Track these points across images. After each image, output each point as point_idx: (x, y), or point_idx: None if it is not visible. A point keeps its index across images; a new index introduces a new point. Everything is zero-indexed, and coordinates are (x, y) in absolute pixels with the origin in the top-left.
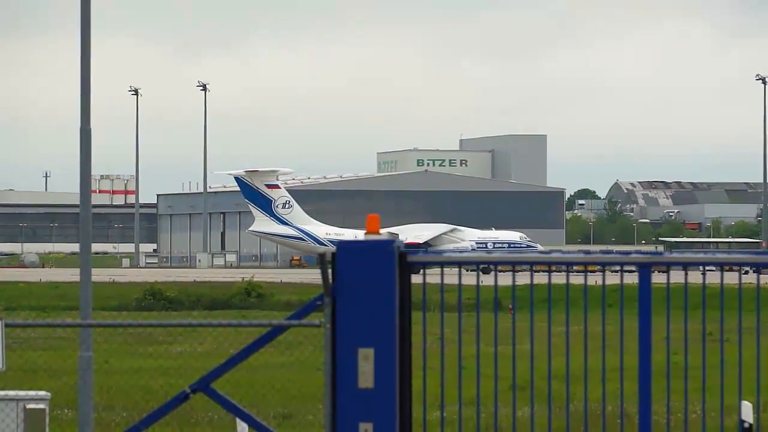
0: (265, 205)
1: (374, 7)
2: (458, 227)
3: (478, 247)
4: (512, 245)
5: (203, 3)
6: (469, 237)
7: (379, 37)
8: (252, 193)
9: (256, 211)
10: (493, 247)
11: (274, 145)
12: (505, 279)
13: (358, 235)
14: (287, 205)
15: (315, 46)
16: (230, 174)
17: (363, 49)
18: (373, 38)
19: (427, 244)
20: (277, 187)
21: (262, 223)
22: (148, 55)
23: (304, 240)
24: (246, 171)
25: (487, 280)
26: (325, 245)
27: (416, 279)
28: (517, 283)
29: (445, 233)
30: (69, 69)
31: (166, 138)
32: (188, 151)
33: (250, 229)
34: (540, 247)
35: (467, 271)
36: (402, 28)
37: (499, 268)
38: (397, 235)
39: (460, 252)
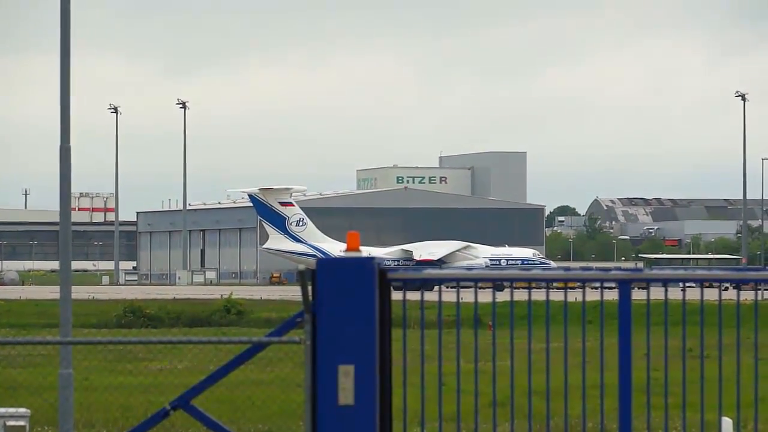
0: (279, 223)
1: (356, 26)
2: (472, 244)
3: (491, 264)
4: (525, 262)
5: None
6: (482, 254)
7: (359, 56)
8: (266, 211)
9: (270, 229)
10: (507, 264)
11: (254, 163)
12: (485, 296)
13: (372, 252)
14: (301, 223)
15: (296, 65)
16: (244, 191)
17: (342, 68)
18: (353, 57)
19: (441, 261)
20: (290, 204)
21: (276, 241)
22: (130, 73)
23: (318, 258)
24: (260, 189)
25: (468, 297)
26: None
27: (396, 296)
28: (497, 300)
29: (458, 250)
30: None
31: (146, 156)
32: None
33: (264, 246)
34: (553, 264)
35: (447, 288)
36: (383, 47)
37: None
38: (411, 252)
39: (440, 269)
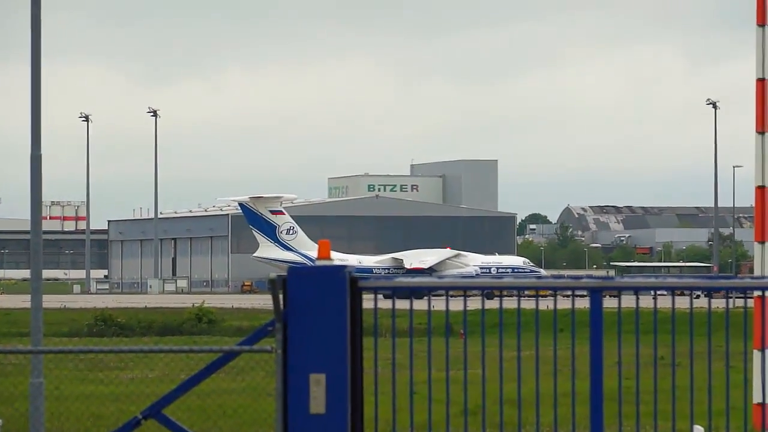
0: (269, 231)
1: (327, 34)
2: (462, 252)
3: (482, 272)
4: (515, 270)
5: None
6: (472, 262)
7: (330, 64)
8: (256, 219)
9: (260, 237)
10: (497, 272)
11: (226, 171)
12: (456, 304)
13: (362, 260)
14: (291, 231)
15: (269, 73)
16: (234, 200)
17: (313, 76)
18: (324, 65)
19: (431, 269)
20: (281, 213)
21: (266, 249)
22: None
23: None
24: (250, 197)
25: (439, 305)
26: None
27: (368, 304)
28: (468, 308)
29: (448, 258)
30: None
31: (118, 164)
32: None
33: (254, 255)
34: (543, 272)
35: (422, 296)
36: (355, 55)
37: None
38: (402, 260)
39: (411, 277)
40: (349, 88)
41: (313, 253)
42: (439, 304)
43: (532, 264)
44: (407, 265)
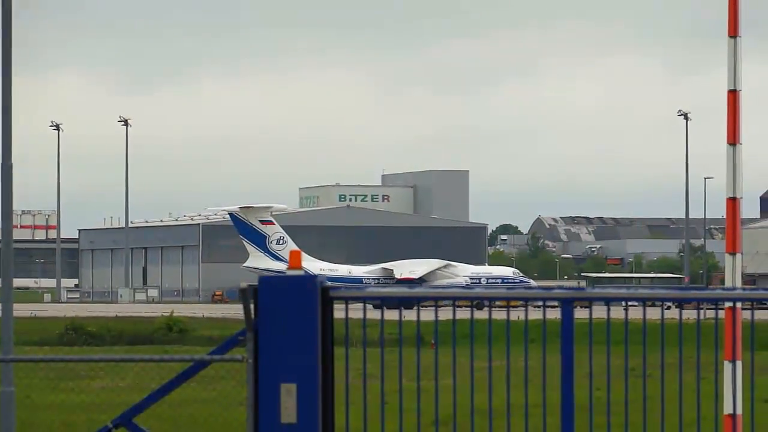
0: (260, 242)
1: (304, 44)
2: (452, 263)
3: (472, 283)
4: (505, 281)
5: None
6: (462, 272)
7: (304, 75)
8: (246, 229)
9: (250, 248)
10: (487, 282)
11: (197, 181)
12: (428, 314)
13: (352, 270)
14: (281, 241)
15: (244, 83)
16: (224, 210)
17: (283, 85)
18: (298, 75)
19: (421, 279)
20: (271, 223)
21: (257, 260)
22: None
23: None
24: (240, 207)
25: (410, 315)
26: None
27: (339, 314)
28: (440, 319)
29: (439, 269)
30: None
31: (89, 173)
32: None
33: (244, 265)
34: (533, 283)
35: (385, 307)
36: (327, 65)
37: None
38: (392, 270)
39: (382, 287)
40: (321, 99)
41: (304, 263)
42: (409, 314)
43: (521, 274)
44: (397, 275)
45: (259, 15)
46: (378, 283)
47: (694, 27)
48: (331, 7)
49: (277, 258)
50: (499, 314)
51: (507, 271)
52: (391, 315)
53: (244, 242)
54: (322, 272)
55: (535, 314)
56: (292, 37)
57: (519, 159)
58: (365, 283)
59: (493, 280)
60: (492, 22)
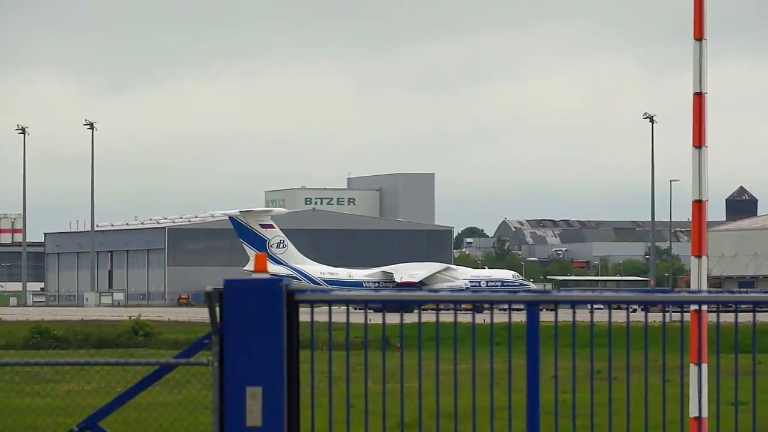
0: (260, 245)
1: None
2: (452, 266)
3: (471, 286)
4: (504, 284)
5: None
6: (462, 276)
7: (275, 75)
8: (246, 233)
9: (250, 251)
10: (486, 286)
11: (161, 184)
12: (394, 317)
13: (352, 274)
14: (281, 245)
15: (204, 85)
16: (225, 213)
17: (249, 88)
18: (258, 77)
19: (422, 283)
20: (271, 226)
21: None
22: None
23: (298, 279)
24: (240, 211)
25: (376, 318)
26: (320, 285)
27: (304, 317)
28: (405, 322)
29: (439, 272)
30: None
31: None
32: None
33: (244, 268)
34: (533, 286)
35: (356, 309)
36: (299, 66)
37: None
38: (392, 274)
39: (348, 290)
40: (288, 102)
41: (304, 267)
42: (375, 317)
43: (521, 278)
44: (398, 279)
45: (236, 16)
46: (378, 286)
47: (675, 28)
48: (309, 6)
49: (277, 262)
50: (464, 317)
51: (507, 275)
52: (357, 318)
53: (244, 246)
54: (323, 275)
55: (500, 317)
56: (271, 38)
57: (485, 162)
58: (365, 286)
59: (493, 284)
60: (468, 24)
